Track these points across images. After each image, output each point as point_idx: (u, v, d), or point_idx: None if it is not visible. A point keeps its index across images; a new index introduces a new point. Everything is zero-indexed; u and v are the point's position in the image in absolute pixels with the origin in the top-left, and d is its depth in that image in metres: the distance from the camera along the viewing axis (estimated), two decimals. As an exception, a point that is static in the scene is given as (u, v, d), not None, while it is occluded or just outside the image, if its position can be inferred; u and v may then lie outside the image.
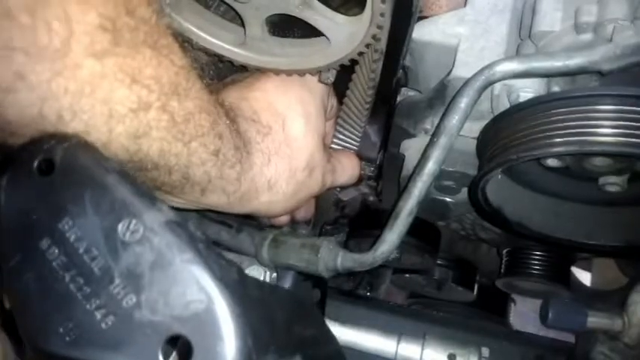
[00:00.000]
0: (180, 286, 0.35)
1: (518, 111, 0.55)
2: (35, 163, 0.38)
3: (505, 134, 0.54)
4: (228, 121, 0.52)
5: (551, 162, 0.58)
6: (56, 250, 0.37)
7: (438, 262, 0.90)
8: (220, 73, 0.68)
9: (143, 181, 0.47)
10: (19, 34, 0.34)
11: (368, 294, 1.02)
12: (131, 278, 0.36)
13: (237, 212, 0.59)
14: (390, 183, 0.81)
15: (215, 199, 0.54)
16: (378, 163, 0.80)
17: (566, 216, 0.66)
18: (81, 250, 0.37)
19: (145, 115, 0.42)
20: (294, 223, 0.77)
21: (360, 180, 0.82)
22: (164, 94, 0.43)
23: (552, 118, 0.52)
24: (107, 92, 0.39)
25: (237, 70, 0.67)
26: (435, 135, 0.57)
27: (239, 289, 0.36)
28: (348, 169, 0.72)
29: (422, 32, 0.66)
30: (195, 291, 0.35)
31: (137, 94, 0.41)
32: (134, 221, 0.37)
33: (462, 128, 0.56)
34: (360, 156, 0.78)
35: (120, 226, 0.37)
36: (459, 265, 0.94)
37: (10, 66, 0.35)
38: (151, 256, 0.36)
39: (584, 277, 1.10)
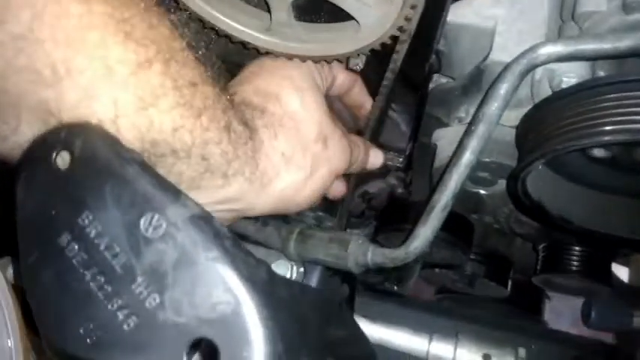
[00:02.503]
0: (205, 286, 0.33)
1: (563, 97, 0.51)
2: (53, 155, 0.36)
3: (549, 122, 0.51)
4: (228, 96, 0.51)
5: (597, 152, 0.54)
6: (76, 247, 0.35)
7: (470, 256, 0.87)
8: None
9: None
10: None
11: (395, 288, 0.99)
12: (154, 277, 0.34)
13: (265, 205, 0.57)
14: (420, 174, 0.78)
15: (237, 186, 0.51)
16: (407, 153, 0.77)
17: (610, 210, 0.62)
18: (102, 247, 0.35)
19: (146, 77, 0.40)
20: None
21: (387, 171, 0.79)
22: (161, 52, 0.41)
23: (600, 105, 0.48)
24: (100, 45, 0.37)
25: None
26: (472, 123, 0.54)
27: (268, 289, 0.34)
28: (361, 147, 0.67)
29: (456, 14, 0.63)
30: (222, 292, 0.32)
31: (134, 51, 0.39)
32: (157, 216, 0.35)
33: (501, 116, 0.53)
34: (389, 146, 0.75)
35: (142, 221, 0.35)
36: (492, 259, 0.91)
37: None
38: (175, 253, 0.34)
39: (622, 272, 1.06)
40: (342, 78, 0.66)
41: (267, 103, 0.56)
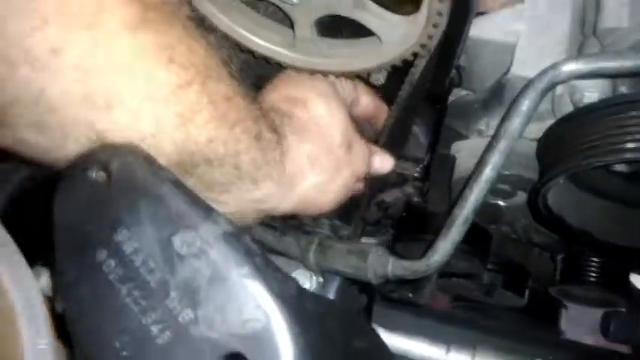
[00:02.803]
0: (237, 302, 0.34)
1: (586, 114, 0.52)
2: (91, 174, 0.38)
3: (572, 138, 0.51)
4: (259, 106, 0.53)
5: (619, 167, 0.55)
6: (112, 263, 0.36)
7: (488, 266, 0.87)
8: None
9: (194, 184, 0.46)
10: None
11: (410, 295, 0.99)
12: (187, 293, 0.35)
13: (288, 205, 0.57)
14: (438, 185, 0.78)
15: (266, 190, 0.53)
16: (425, 164, 0.77)
17: (632, 223, 0.62)
18: (137, 263, 0.36)
19: (185, 95, 0.42)
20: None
21: (405, 180, 0.79)
22: (199, 73, 0.43)
23: (623, 122, 0.48)
24: (148, 71, 0.40)
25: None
26: (494, 139, 0.54)
27: (297, 305, 0.35)
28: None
29: (478, 29, 0.63)
30: (253, 308, 0.33)
31: (176, 74, 0.41)
32: (190, 233, 0.36)
33: (523, 132, 0.53)
34: (407, 156, 0.76)
35: (176, 239, 0.36)
36: (510, 269, 0.90)
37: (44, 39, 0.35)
38: (208, 270, 0.35)
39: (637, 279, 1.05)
40: (365, 100, 0.67)
41: (294, 109, 0.58)
